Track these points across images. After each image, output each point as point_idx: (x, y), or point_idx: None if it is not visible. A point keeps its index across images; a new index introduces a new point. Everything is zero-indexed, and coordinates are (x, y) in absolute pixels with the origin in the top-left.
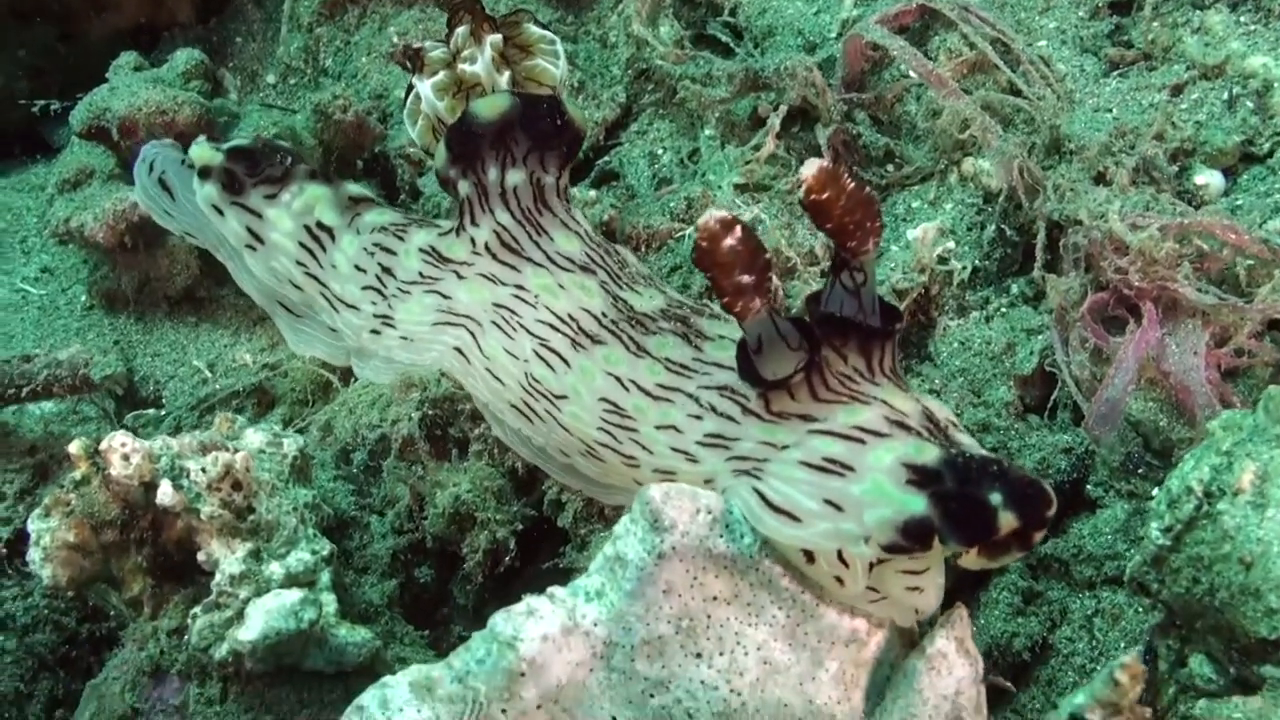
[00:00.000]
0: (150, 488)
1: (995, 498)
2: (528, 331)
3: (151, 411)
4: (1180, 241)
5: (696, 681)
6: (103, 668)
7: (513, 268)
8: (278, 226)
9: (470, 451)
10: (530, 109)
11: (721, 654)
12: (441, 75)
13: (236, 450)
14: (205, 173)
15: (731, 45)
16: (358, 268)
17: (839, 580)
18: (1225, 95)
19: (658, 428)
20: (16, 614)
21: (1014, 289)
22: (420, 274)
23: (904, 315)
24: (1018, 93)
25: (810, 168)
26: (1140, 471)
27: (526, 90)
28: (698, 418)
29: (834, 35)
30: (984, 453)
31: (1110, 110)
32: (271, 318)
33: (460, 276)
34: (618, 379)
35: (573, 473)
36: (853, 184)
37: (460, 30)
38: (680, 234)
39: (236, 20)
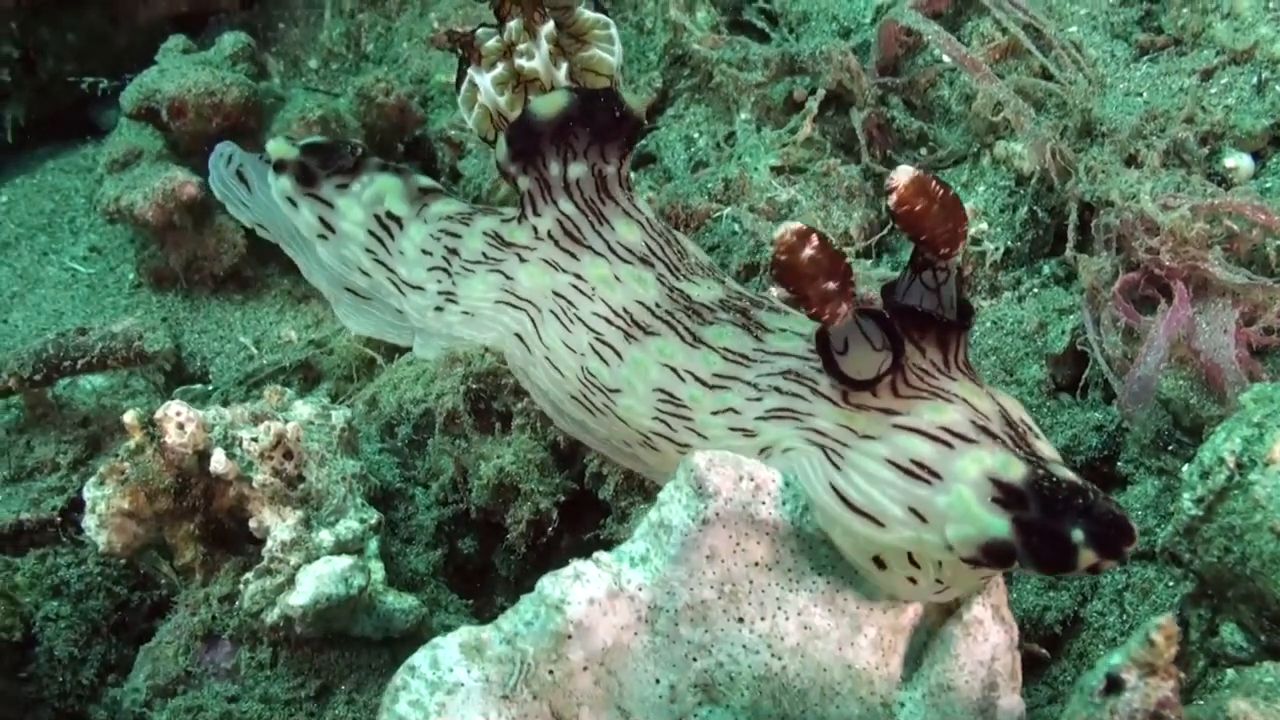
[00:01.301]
0: (203, 456)
1: (1078, 535)
2: (584, 324)
3: (199, 387)
4: (1211, 222)
5: (738, 645)
6: (154, 634)
7: (573, 255)
8: (348, 216)
9: (513, 425)
10: (589, 103)
11: (763, 619)
12: (500, 69)
13: (287, 421)
14: (280, 166)
15: (767, 31)
16: (424, 251)
17: (911, 580)
18: (1254, 80)
19: (714, 413)
20: (71, 581)
21: (1046, 269)
22: (484, 254)
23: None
24: (1049, 77)
25: (903, 176)
26: (1170, 448)
27: (584, 82)
28: (757, 400)
29: (868, 21)
30: (1070, 477)
31: (1141, 94)
32: (333, 306)
33: (522, 259)
34: (673, 369)
35: (637, 461)
36: (941, 190)
37: (512, 25)
38: (718, 214)
39: (279, 6)
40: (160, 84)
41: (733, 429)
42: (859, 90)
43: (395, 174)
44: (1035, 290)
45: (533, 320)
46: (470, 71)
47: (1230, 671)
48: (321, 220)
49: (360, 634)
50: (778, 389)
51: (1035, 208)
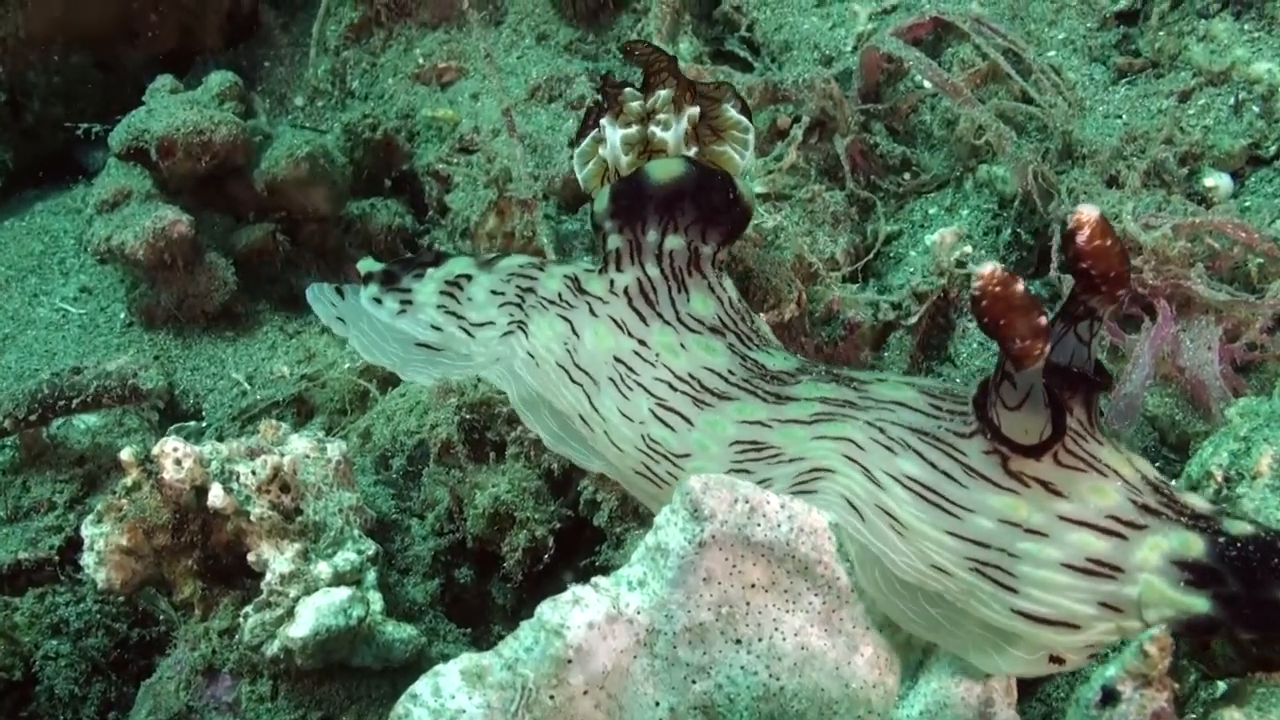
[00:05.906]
0: (201, 491)
1: None
2: (645, 390)
3: (193, 424)
4: (1192, 241)
5: (737, 667)
6: (153, 670)
7: (642, 319)
8: (423, 291)
9: (507, 454)
10: (705, 180)
11: (760, 640)
12: (634, 130)
13: (283, 454)
14: (369, 277)
15: (749, 60)
16: (494, 292)
17: (1092, 657)
18: (1231, 100)
19: (816, 438)
20: (70, 619)
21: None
22: (559, 295)
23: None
24: (1030, 101)
25: (1091, 213)
26: (1157, 465)
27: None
28: (888, 448)
29: (849, 49)
30: (1247, 531)
31: (1120, 116)
32: (401, 370)
33: (593, 313)
34: (758, 423)
35: None
36: (1114, 231)
37: (663, 93)
38: None
39: (264, 45)
40: (149, 124)
41: (849, 457)
42: (842, 117)
43: (467, 255)
44: None
45: (588, 395)
46: (604, 122)
47: (1221, 684)
48: (401, 301)
49: (360, 665)
50: (919, 453)
51: (1018, 230)
